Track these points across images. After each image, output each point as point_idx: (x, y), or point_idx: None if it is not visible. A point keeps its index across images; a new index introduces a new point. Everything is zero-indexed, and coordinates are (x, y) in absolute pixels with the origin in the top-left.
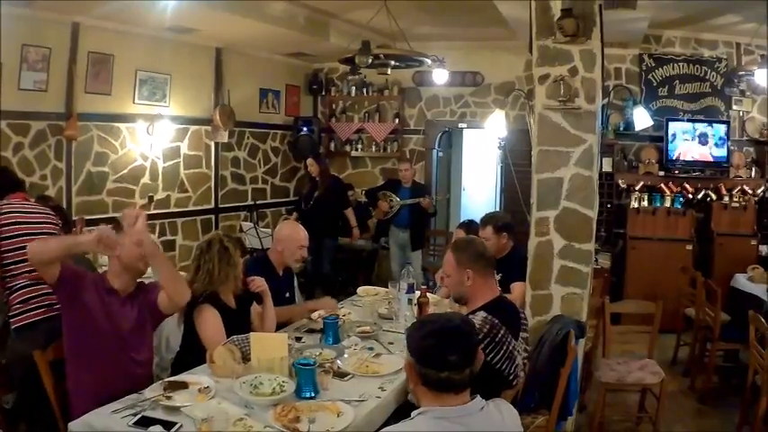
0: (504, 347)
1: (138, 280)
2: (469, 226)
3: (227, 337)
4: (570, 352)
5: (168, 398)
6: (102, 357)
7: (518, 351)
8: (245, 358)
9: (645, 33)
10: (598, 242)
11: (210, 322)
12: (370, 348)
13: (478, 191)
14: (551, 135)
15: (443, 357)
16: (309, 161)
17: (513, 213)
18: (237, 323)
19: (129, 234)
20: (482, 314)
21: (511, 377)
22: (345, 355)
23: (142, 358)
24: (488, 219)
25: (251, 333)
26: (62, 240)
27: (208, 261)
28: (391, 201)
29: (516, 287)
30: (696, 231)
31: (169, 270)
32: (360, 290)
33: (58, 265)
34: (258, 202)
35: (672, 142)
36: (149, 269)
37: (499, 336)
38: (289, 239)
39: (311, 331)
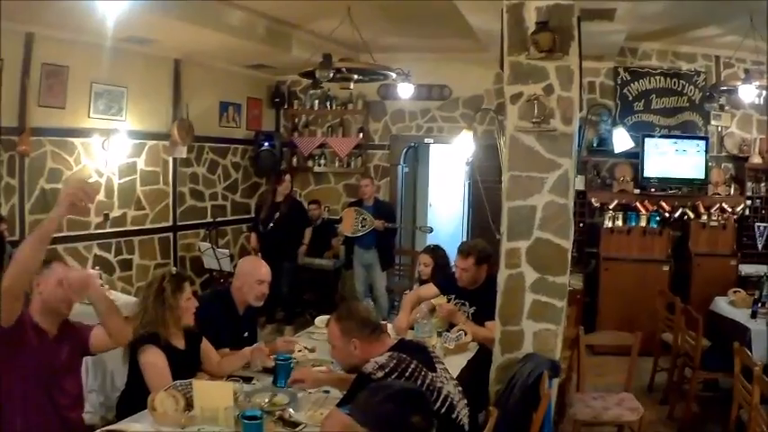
0: (420, 381)
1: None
2: (435, 251)
3: (175, 379)
4: (544, 397)
5: None
6: (35, 401)
7: (443, 381)
8: (190, 405)
9: (621, 46)
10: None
11: (154, 364)
12: (326, 392)
13: (445, 207)
14: (524, 159)
15: (406, 421)
16: (287, 177)
17: (480, 231)
18: (187, 364)
19: (55, 271)
20: (385, 354)
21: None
22: (299, 401)
23: (74, 401)
24: (470, 249)
25: (194, 380)
26: (33, 238)
27: (146, 299)
28: (364, 219)
29: (492, 326)
30: (673, 251)
31: (110, 305)
32: (318, 320)
33: (22, 299)
34: (218, 220)
35: (647, 159)
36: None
37: (410, 369)
38: (247, 274)
39: (265, 370)
